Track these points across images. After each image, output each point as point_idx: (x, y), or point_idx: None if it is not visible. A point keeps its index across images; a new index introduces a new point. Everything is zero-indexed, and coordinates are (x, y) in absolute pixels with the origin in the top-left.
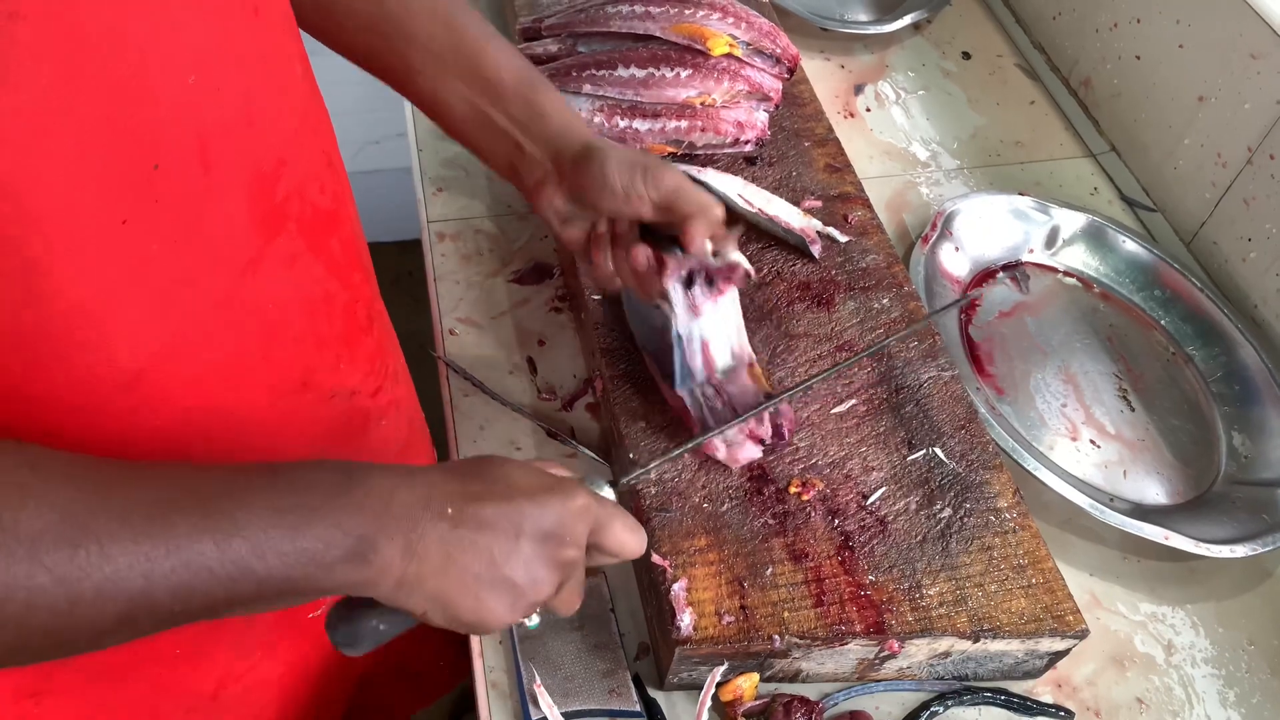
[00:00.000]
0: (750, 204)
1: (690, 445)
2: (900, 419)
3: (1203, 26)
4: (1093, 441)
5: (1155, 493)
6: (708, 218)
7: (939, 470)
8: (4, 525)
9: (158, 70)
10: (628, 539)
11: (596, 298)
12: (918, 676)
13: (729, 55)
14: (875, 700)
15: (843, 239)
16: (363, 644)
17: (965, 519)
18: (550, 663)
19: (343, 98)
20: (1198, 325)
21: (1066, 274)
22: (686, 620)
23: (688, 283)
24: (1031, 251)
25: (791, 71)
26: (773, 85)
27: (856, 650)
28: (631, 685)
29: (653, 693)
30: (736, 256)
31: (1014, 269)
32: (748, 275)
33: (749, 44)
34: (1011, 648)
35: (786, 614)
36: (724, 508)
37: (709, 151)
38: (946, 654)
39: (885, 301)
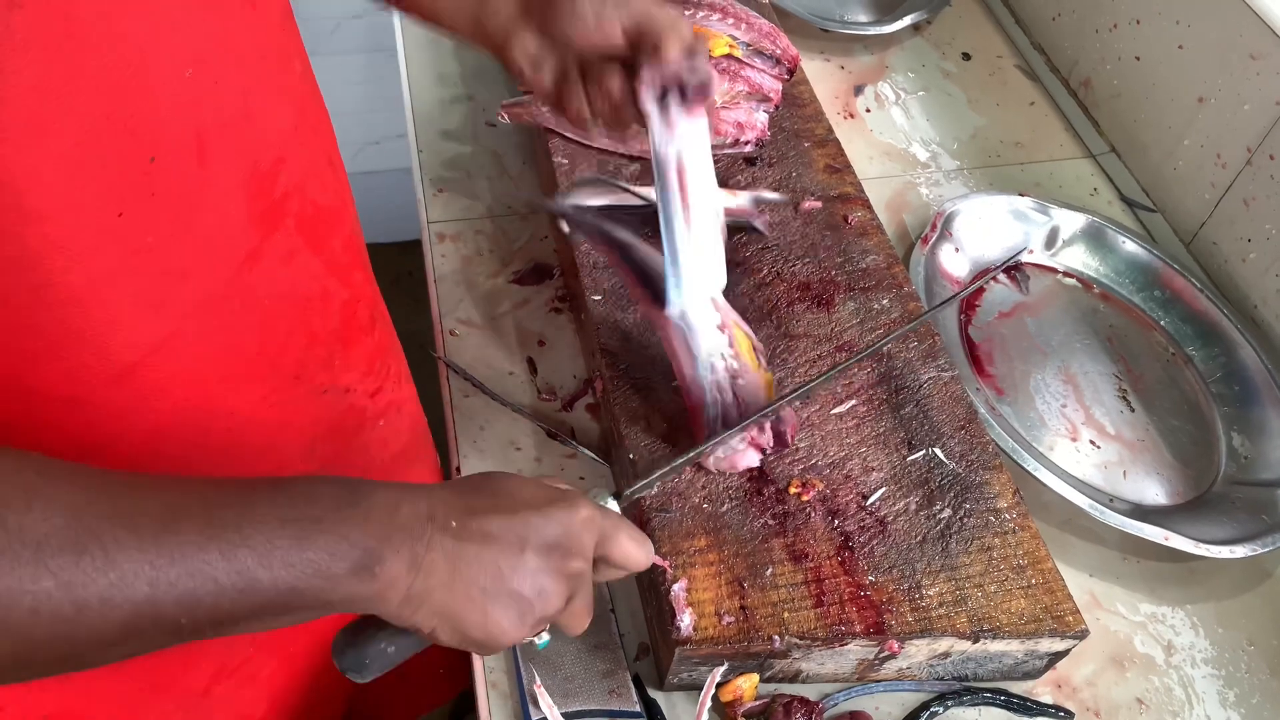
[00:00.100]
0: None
1: (694, 455)
2: (900, 419)
3: (1202, 27)
4: (1092, 442)
5: (1155, 493)
6: (679, 32)
7: (939, 471)
8: (9, 528)
9: (155, 62)
10: (633, 550)
11: (597, 298)
12: (917, 677)
13: (729, 56)
14: (875, 701)
15: (779, 198)
16: (370, 668)
17: (965, 519)
18: (550, 663)
19: (343, 99)
20: (1197, 326)
21: (1066, 274)
22: (686, 621)
23: (662, 99)
24: (1031, 252)
25: (791, 72)
26: (773, 86)
27: (856, 651)
28: (631, 686)
29: (653, 693)
30: (708, 68)
31: (1014, 269)
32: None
33: (749, 45)
34: (1011, 648)
35: (786, 614)
36: (724, 508)
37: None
38: (946, 654)
39: (885, 302)
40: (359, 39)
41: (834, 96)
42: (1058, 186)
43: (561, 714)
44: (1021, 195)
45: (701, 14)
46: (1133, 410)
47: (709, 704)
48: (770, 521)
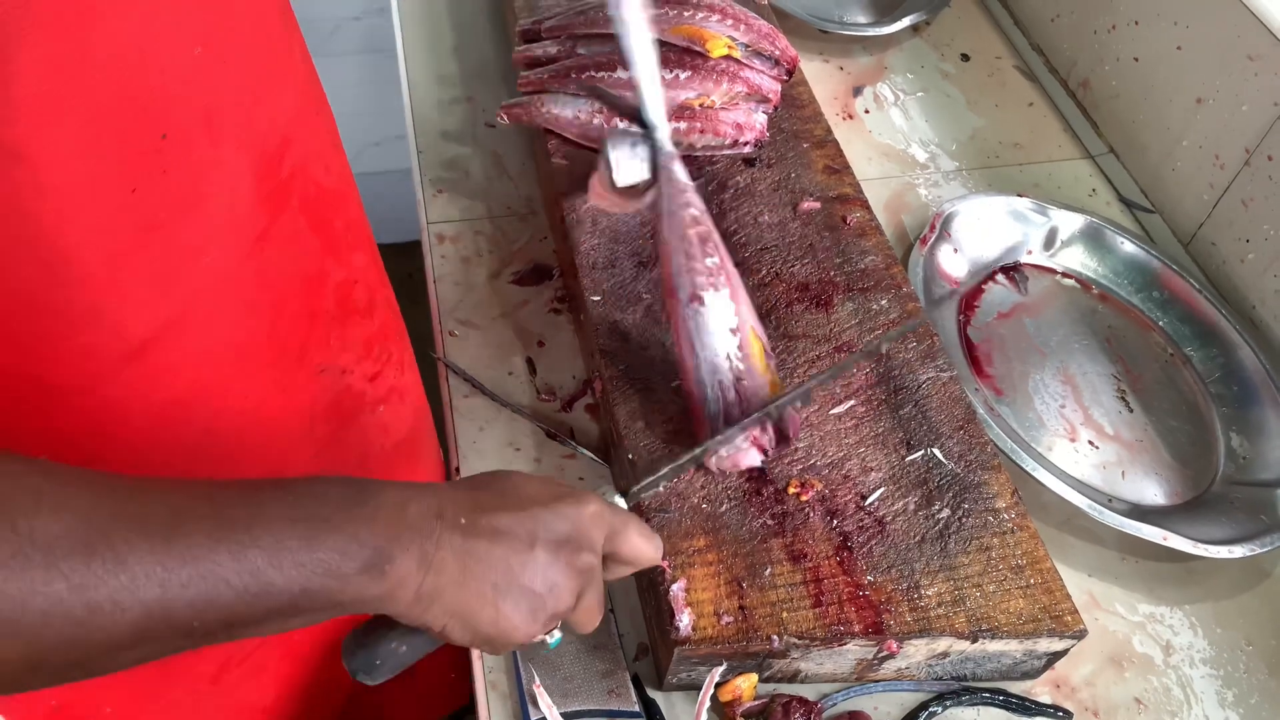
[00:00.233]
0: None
1: (699, 452)
2: (899, 420)
3: (1201, 28)
4: (1091, 442)
5: (1153, 493)
6: None
7: (937, 471)
8: (19, 531)
9: (165, 41)
10: (643, 545)
11: (596, 299)
12: (916, 677)
13: (728, 57)
14: (874, 701)
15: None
16: (381, 669)
17: (964, 519)
18: (549, 663)
19: (343, 100)
20: (1196, 326)
21: (1065, 275)
22: (685, 620)
23: None
24: (1030, 253)
25: (790, 73)
26: (771, 87)
27: (855, 650)
28: (630, 685)
29: (652, 693)
30: None
31: (1012, 269)
32: None
33: (748, 46)
34: (1010, 648)
35: (785, 614)
36: (723, 508)
37: (708, 153)
38: (945, 654)
39: (884, 303)
40: (359, 40)
41: (833, 97)
42: (1056, 187)
43: (561, 714)
44: (1020, 196)
45: (700, 15)
46: (1131, 410)
47: (708, 704)
48: (769, 522)
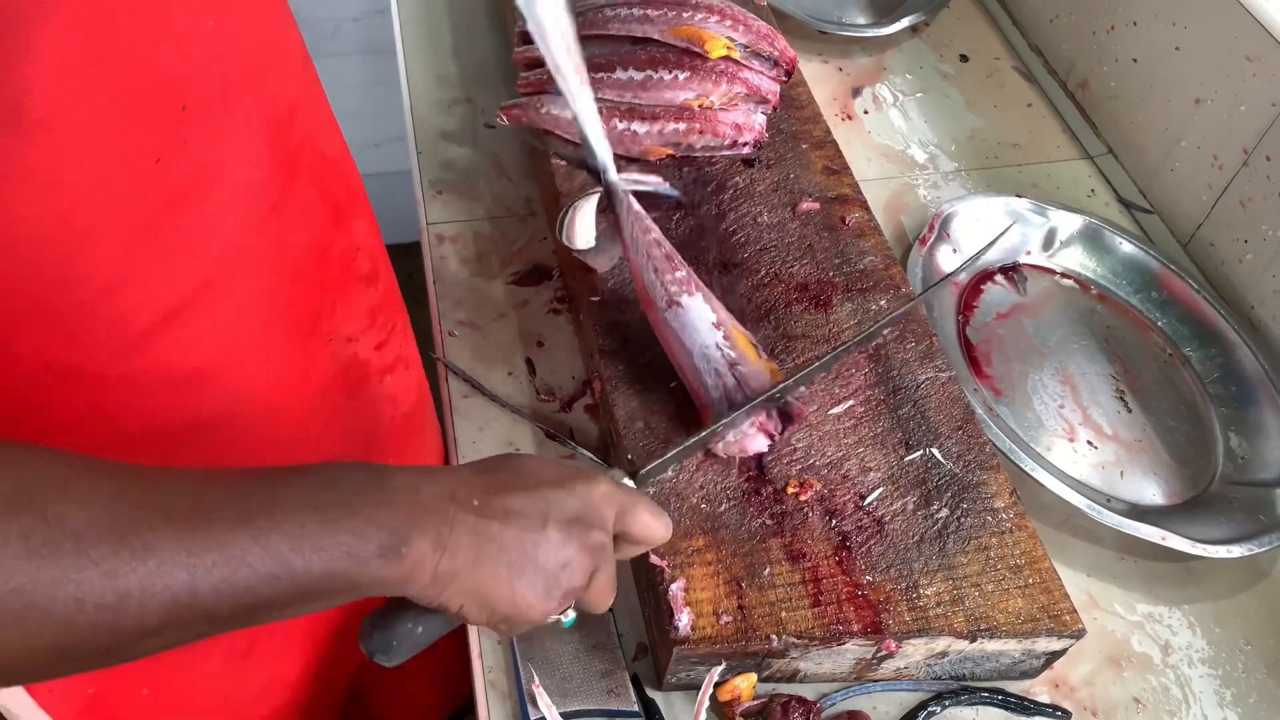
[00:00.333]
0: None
1: (706, 435)
2: (898, 420)
3: (1199, 29)
4: (1090, 442)
5: (1152, 493)
6: None
7: (936, 471)
8: (49, 518)
9: (181, 14)
10: (653, 523)
11: (595, 299)
12: (915, 676)
13: (727, 58)
14: (873, 700)
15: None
16: (398, 650)
17: (962, 519)
18: (548, 663)
19: (342, 101)
20: (1194, 326)
21: (1064, 275)
22: (684, 620)
23: None
24: (1029, 253)
25: (789, 74)
26: (770, 88)
27: (854, 650)
28: (630, 685)
29: (651, 693)
30: None
31: (1011, 270)
32: None
33: (747, 47)
34: (1008, 647)
35: (784, 614)
36: (722, 508)
37: (707, 153)
38: (944, 654)
39: (883, 303)
40: (358, 41)
41: (832, 98)
42: (1055, 188)
43: (560, 714)
44: (1019, 196)
45: (699, 16)
46: (1130, 411)
47: (707, 703)
48: (768, 521)
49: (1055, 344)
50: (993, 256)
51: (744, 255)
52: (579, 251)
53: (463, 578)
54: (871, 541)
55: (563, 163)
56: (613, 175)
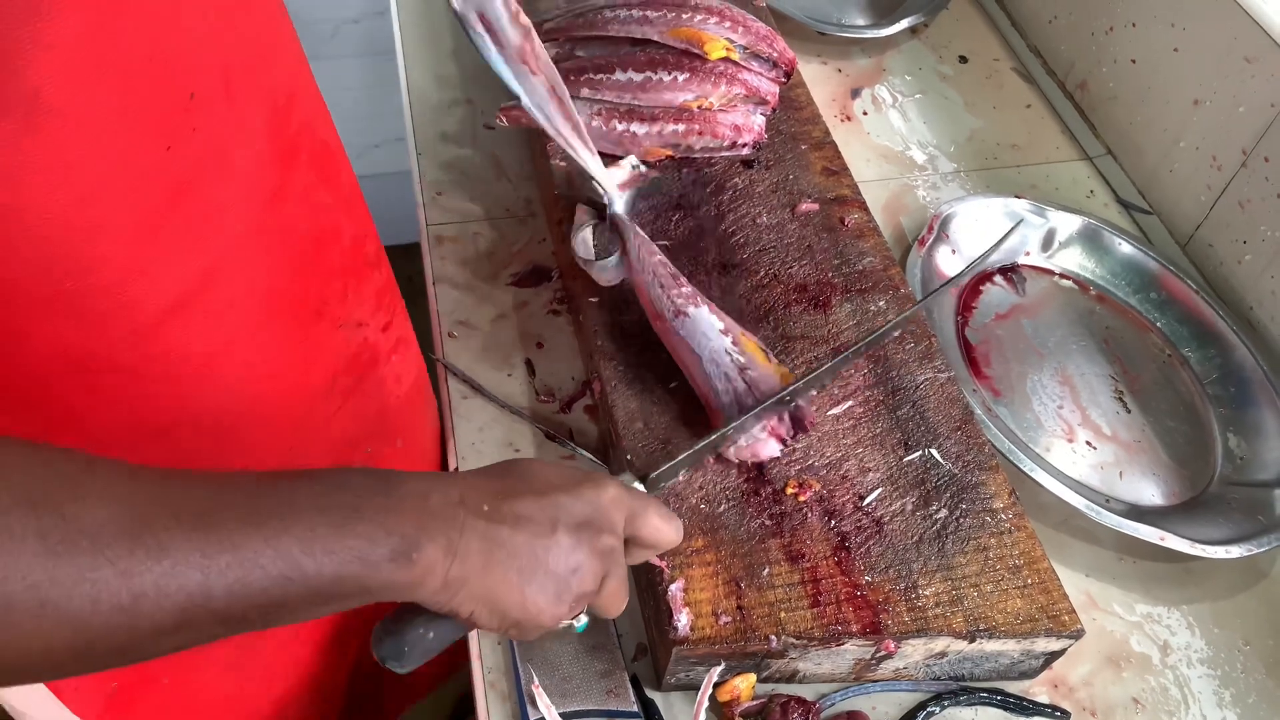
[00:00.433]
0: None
1: (716, 438)
2: (897, 420)
3: (1198, 30)
4: (1089, 443)
5: (1151, 494)
6: None
7: (935, 471)
8: (65, 516)
9: (186, 3)
10: (664, 527)
11: (594, 300)
12: (914, 677)
13: (726, 59)
14: (872, 700)
15: (641, 167)
16: (410, 656)
17: (961, 520)
18: (548, 663)
19: (342, 102)
20: (1193, 327)
21: (1063, 276)
22: (684, 620)
23: None
24: (1028, 254)
25: (788, 75)
26: (769, 89)
27: (853, 650)
28: (629, 686)
29: (650, 693)
30: None
31: (1010, 271)
32: None
33: (746, 48)
34: (1007, 648)
35: (783, 614)
36: (721, 509)
37: (706, 155)
38: (943, 654)
39: (882, 304)
40: (357, 43)
41: (831, 99)
42: (1054, 189)
43: (559, 714)
44: (1018, 197)
45: (699, 17)
46: (1129, 411)
47: (706, 704)
48: (767, 522)
49: (1054, 345)
50: (992, 257)
51: (743, 256)
52: (585, 262)
53: (473, 583)
54: (870, 542)
55: (562, 164)
56: (618, 207)
